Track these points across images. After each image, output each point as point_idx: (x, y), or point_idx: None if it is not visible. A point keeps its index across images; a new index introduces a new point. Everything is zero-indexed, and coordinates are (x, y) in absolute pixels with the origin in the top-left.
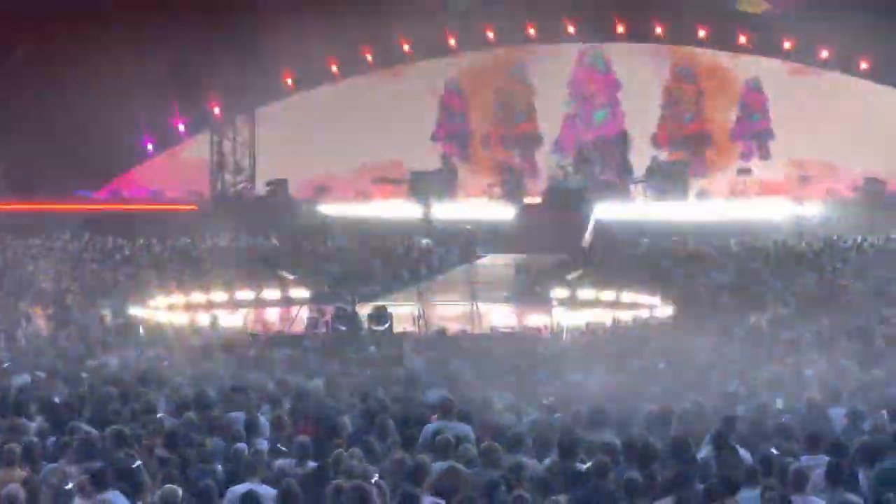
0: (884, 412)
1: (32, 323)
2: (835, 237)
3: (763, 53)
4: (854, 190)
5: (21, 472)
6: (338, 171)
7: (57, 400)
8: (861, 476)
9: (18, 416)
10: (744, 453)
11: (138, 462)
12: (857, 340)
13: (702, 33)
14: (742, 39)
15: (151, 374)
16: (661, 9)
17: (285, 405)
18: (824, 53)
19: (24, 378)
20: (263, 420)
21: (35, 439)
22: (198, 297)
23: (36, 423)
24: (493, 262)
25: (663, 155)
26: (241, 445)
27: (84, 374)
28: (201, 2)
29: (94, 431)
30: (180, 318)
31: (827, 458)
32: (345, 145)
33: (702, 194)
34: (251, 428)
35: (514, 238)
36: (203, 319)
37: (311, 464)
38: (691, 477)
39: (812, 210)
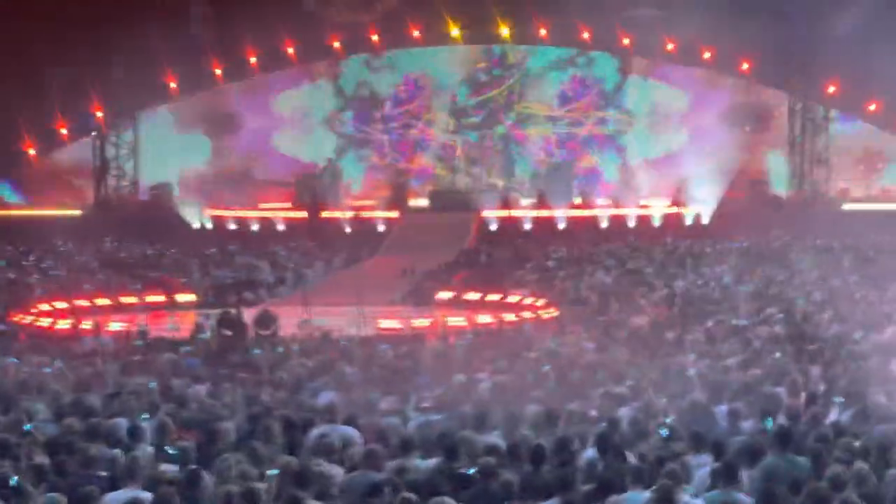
0: (761, 411)
1: None
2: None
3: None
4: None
5: None
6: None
7: None
8: (744, 475)
9: None
10: (629, 455)
11: (14, 479)
12: (738, 341)
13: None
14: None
15: (32, 381)
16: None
17: (167, 410)
18: (707, 55)
19: None
20: (146, 426)
21: None
22: (81, 302)
23: None
24: (380, 265)
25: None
26: (119, 452)
27: None
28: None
29: None
30: (63, 325)
31: (710, 458)
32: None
33: (587, 195)
34: (134, 434)
35: (401, 240)
36: (86, 325)
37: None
38: (575, 479)
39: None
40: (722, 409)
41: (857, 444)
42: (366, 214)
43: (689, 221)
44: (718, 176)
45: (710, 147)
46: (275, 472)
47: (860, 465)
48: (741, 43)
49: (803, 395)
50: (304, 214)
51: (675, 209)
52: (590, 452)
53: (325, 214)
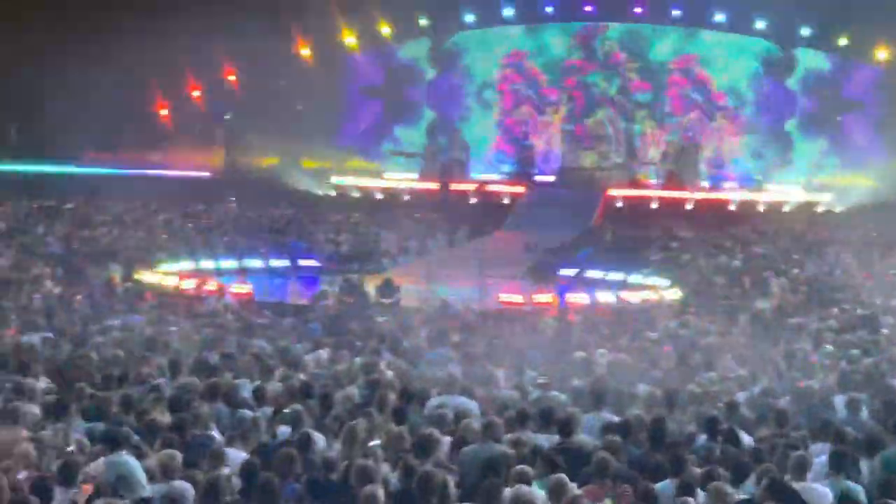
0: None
1: (42, 284)
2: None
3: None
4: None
5: (23, 432)
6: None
7: (62, 362)
8: (863, 465)
9: (24, 375)
10: (745, 438)
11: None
12: (865, 329)
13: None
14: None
15: (157, 339)
16: None
17: (285, 374)
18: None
19: (32, 338)
20: (265, 387)
21: (41, 399)
22: (207, 263)
23: (42, 384)
24: (504, 239)
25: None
26: (245, 412)
27: (91, 337)
28: None
29: (97, 394)
30: (188, 285)
31: (828, 446)
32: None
33: (716, 177)
34: (254, 395)
35: (525, 215)
36: (211, 286)
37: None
38: (687, 461)
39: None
40: (841, 399)
41: None
42: (491, 188)
43: (820, 209)
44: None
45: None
46: (377, 442)
47: None
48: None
49: None
50: (432, 186)
51: (806, 198)
52: (703, 435)
53: (453, 187)
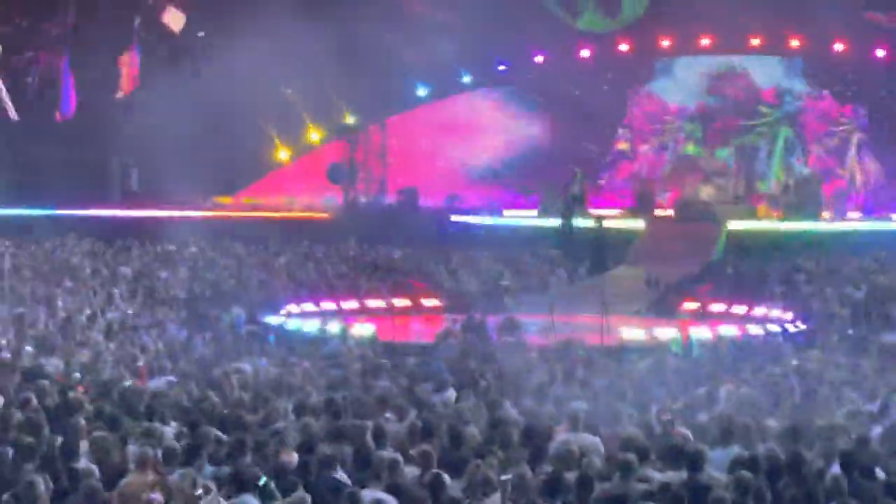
0: None
1: (167, 329)
2: None
3: None
4: None
5: (151, 476)
6: (469, 180)
7: (189, 405)
8: None
9: (151, 420)
10: (879, 474)
11: (263, 478)
12: None
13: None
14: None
15: (282, 381)
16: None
17: (413, 414)
18: None
19: (158, 383)
20: (390, 428)
21: (170, 444)
22: (328, 304)
23: (171, 428)
24: (624, 274)
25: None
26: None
27: (216, 381)
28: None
29: (224, 437)
30: (311, 326)
31: None
32: (476, 154)
33: (837, 210)
34: (378, 436)
35: (646, 250)
36: (334, 328)
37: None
38: (819, 496)
39: None
40: None
41: None
42: (610, 224)
43: None
44: None
45: None
46: (509, 476)
47: None
48: None
49: None
50: (556, 222)
51: None
52: (835, 469)
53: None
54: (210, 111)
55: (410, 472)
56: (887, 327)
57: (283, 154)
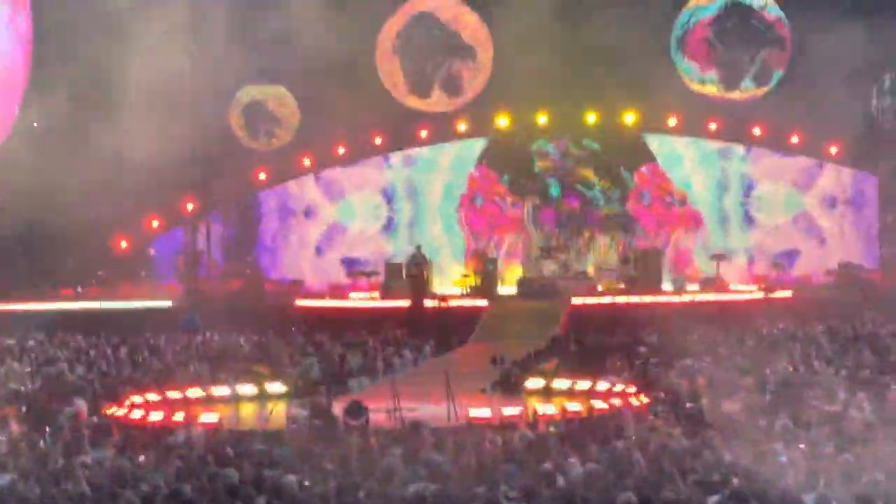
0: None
1: (7, 425)
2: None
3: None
4: (827, 275)
5: None
6: (311, 266)
7: (35, 502)
8: None
9: None
10: None
11: None
12: (831, 426)
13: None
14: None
15: (127, 472)
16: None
17: (260, 501)
18: (794, 139)
19: (1, 481)
20: None
21: None
22: (173, 394)
23: None
24: (469, 353)
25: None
26: None
27: (59, 476)
28: None
29: None
30: (155, 417)
31: None
32: (322, 240)
33: (677, 282)
34: None
35: (489, 327)
36: (179, 416)
37: None
38: None
39: (783, 294)
40: (811, 497)
41: None
42: (454, 303)
43: (780, 305)
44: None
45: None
46: None
47: None
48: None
49: None
50: (404, 304)
51: (765, 293)
52: None
53: (427, 304)
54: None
55: None
56: (728, 397)
57: (123, 243)
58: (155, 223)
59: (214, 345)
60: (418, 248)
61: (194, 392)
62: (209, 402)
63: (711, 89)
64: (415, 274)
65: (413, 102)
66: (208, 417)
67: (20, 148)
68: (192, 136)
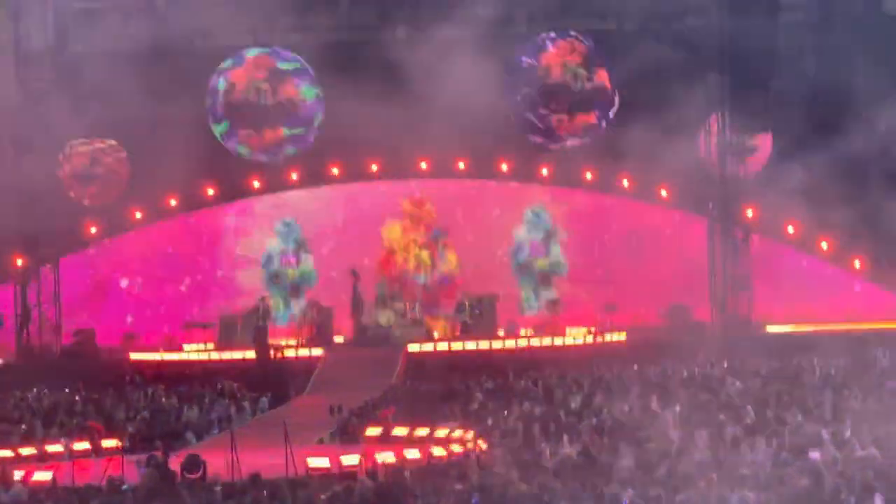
0: None
1: None
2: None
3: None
4: (660, 316)
5: None
6: (145, 319)
7: None
8: None
9: None
10: None
11: None
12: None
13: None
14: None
15: None
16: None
17: None
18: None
19: None
20: None
21: None
22: (5, 453)
23: None
24: (307, 403)
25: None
26: None
27: None
28: None
29: None
30: None
31: None
32: (151, 292)
33: (510, 327)
34: None
35: (327, 377)
36: (7, 475)
37: None
38: None
39: (617, 337)
40: None
41: None
42: (290, 353)
43: (613, 347)
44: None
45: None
46: None
47: None
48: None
49: None
50: (240, 356)
51: (597, 336)
52: None
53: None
54: None
55: None
56: (564, 441)
57: None
58: None
59: (46, 401)
60: (262, 299)
61: (27, 450)
62: (42, 459)
63: None
64: (260, 326)
65: None
66: (41, 475)
67: None
68: (20, 190)
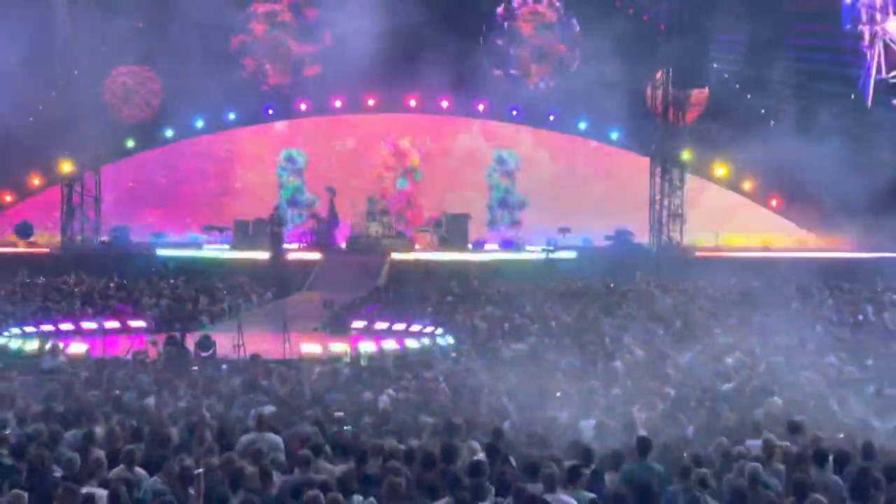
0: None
1: None
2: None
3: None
4: (606, 239)
5: None
6: (172, 221)
7: None
8: (606, 478)
9: None
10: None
11: None
12: (604, 367)
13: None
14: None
15: (4, 394)
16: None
17: (120, 419)
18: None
19: None
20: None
21: None
22: (47, 327)
23: None
24: (305, 298)
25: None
26: (75, 455)
27: None
28: None
29: None
30: (31, 345)
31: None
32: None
33: (478, 242)
34: (89, 439)
35: (323, 278)
36: (51, 347)
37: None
38: (461, 479)
39: (568, 255)
40: (589, 423)
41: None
42: (293, 256)
43: (567, 266)
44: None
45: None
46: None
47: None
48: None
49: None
50: (251, 255)
51: (546, 254)
52: (479, 456)
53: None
54: None
55: (118, 472)
56: (518, 339)
57: (8, 198)
58: (36, 181)
59: (84, 286)
60: (276, 208)
61: (66, 325)
62: (79, 334)
63: None
64: (276, 231)
65: None
66: (77, 347)
67: None
68: (70, 105)
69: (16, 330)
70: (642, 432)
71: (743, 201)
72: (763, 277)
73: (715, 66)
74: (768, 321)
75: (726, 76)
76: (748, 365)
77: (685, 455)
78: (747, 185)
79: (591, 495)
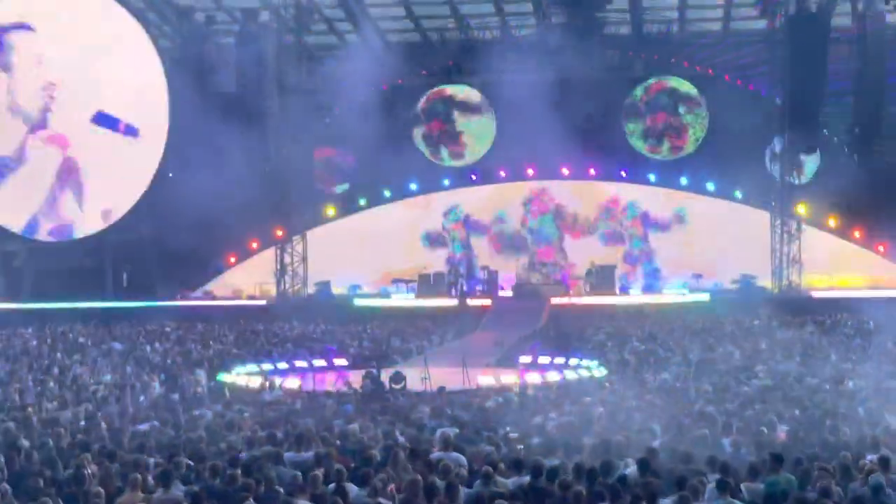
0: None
1: (150, 387)
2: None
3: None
4: (732, 283)
5: (140, 495)
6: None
7: (167, 442)
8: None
9: (141, 453)
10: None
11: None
12: (733, 392)
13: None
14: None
15: (235, 422)
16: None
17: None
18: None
19: (145, 426)
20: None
21: (151, 471)
22: (266, 366)
23: (152, 460)
24: (479, 338)
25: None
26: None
27: (185, 424)
28: None
29: (193, 464)
30: (254, 382)
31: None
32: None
33: (624, 287)
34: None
35: (494, 320)
36: (270, 382)
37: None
38: (620, 491)
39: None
40: (727, 441)
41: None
42: (469, 303)
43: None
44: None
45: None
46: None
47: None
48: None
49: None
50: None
51: (688, 297)
52: (629, 471)
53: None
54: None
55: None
56: (662, 370)
57: (232, 259)
58: (254, 244)
59: (295, 331)
60: (455, 267)
61: (282, 364)
62: (292, 371)
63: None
64: (460, 284)
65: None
66: (291, 382)
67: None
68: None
69: (242, 369)
70: (775, 449)
71: (853, 248)
72: (873, 312)
73: (825, 132)
74: (881, 350)
75: (836, 139)
76: (865, 388)
77: (814, 467)
78: (857, 234)
79: (737, 502)
